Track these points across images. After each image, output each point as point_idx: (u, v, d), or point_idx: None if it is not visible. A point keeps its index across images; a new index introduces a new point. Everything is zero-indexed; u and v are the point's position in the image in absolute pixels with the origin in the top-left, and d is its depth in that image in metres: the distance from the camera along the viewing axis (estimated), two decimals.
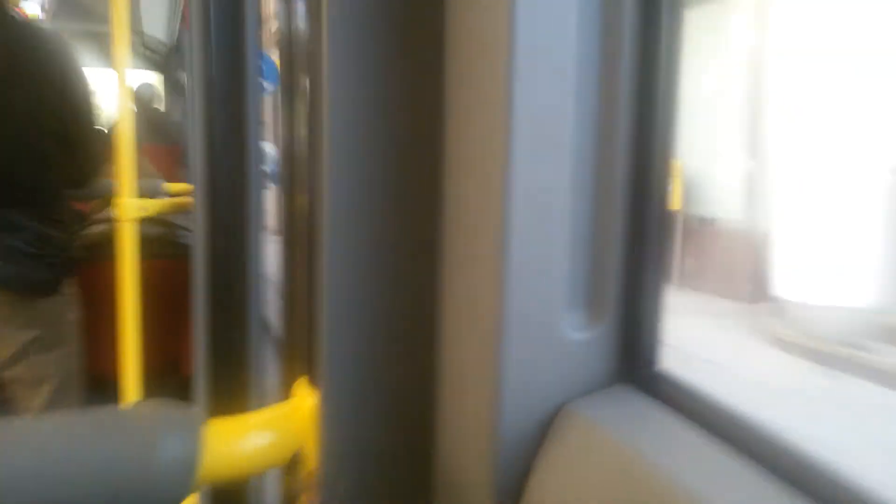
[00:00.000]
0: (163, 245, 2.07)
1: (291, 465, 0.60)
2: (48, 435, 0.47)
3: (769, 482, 0.37)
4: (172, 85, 4.70)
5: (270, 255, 1.01)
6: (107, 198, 1.93)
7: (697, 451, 0.41)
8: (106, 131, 2.09)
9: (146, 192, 1.78)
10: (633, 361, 0.49)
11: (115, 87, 1.66)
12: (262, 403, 1.03)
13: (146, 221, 1.82)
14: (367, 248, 0.51)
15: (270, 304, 1.05)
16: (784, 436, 0.40)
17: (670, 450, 0.41)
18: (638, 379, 0.49)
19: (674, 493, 0.36)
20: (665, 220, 0.48)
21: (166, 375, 1.85)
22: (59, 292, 1.74)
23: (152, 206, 1.67)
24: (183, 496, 0.48)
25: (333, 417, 0.51)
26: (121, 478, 0.46)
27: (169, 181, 2.35)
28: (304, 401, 0.54)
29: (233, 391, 1.04)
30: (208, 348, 1.03)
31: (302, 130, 0.77)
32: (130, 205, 1.56)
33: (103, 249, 1.93)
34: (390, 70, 0.50)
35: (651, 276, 0.48)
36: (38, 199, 1.66)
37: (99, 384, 1.91)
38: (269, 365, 1.04)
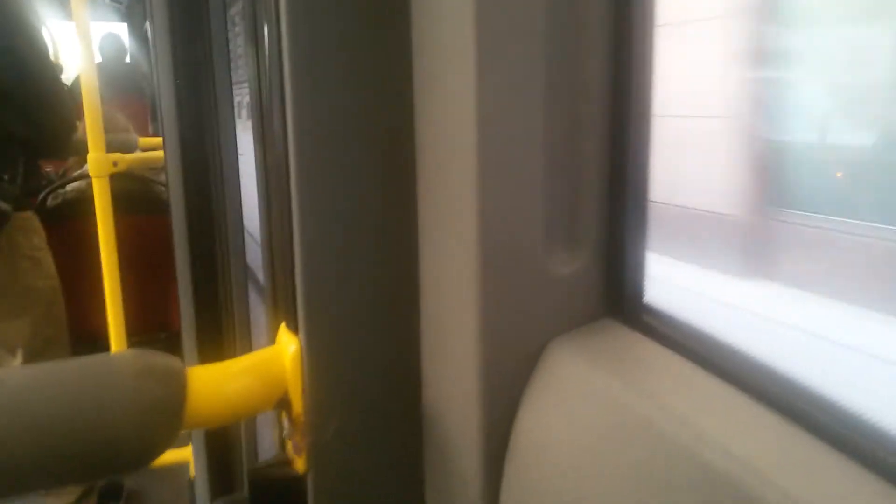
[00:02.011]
0: (140, 200, 2.04)
1: (281, 410, 0.60)
2: (31, 383, 0.46)
3: (757, 409, 0.37)
4: (138, 35, 4.54)
5: (250, 202, 0.99)
6: (82, 155, 1.89)
7: (683, 382, 0.41)
8: (71, 88, 2.02)
9: (119, 147, 1.73)
10: (617, 295, 0.49)
11: (76, 41, 1.60)
12: (248, 352, 1.04)
13: (123, 177, 1.79)
14: (342, 192, 0.50)
15: (254, 252, 1.04)
16: (771, 363, 0.40)
17: (656, 381, 0.41)
18: (623, 312, 0.49)
19: (661, 422, 0.37)
20: (646, 152, 0.48)
21: (153, 332, 1.86)
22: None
23: (124, 160, 1.63)
24: (169, 440, 0.49)
25: (314, 363, 0.51)
26: (106, 423, 0.46)
27: (142, 135, 2.29)
28: (286, 347, 0.54)
29: (220, 342, 1.04)
30: (193, 301, 1.03)
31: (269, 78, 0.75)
32: (101, 160, 1.52)
33: (79, 207, 1.89)
34: (355, 31, 0.48)
35: (634, 209, 0.47)
36: None
37: (86, 345, 1.91)
38: (256, 313, 1.04)
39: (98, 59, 4.24)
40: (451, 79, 0.45)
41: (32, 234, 1.77)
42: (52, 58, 1.64)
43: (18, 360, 1.75)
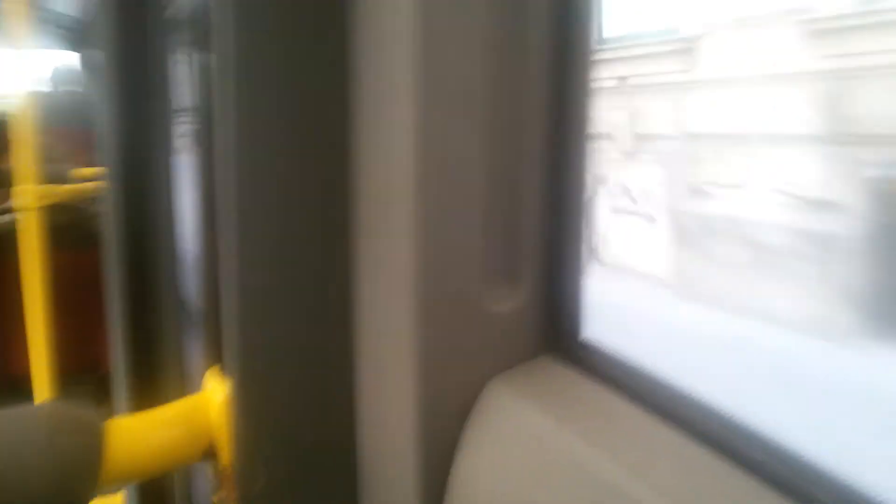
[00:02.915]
0: (73, 235, 1.95)
1: (211, 460, 0.56)
2: None
3: (693, 448, 0.37)
4: (89, 64, 4.44)
5: (188, 237, 0.96)
6: (8, 186, 1.81)
7: (618, 419, 0.40)
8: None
9: (54, 178, 1.66)
10: (556, 331, 0.48)
11: (14, 68, 1.54)
12: (184, 396, 0.99)
13: (55, 210, 1.71)
14: (274, 227, 0.48)
15: (189, 290, 1.00)
16: (708, 401, 0.40)
17: (591, 419, 0.40)
18: (561, 349, 0.48)
19: (594, 461, 0.36)
20: (582, 190, 0.47)
21: (84, 374, 1.76)
22: None
23: (58, 192, 1.56)
24: (88, 497, 0.46)
25: (244, 409, 0.48)
26: (21, 480, 0.43)
27: (81, 165, 2.21)
28: (215, 392, 0.50)
29: (153, 384, 0.99)
30: (125, 340, 0.98)
31: (206, 107, 0.73)
32: (33, 192, 1.45)
33: (8, 242, 1.80)
34: (294, 52, 0.47)
35: (570, 246, 0.47)
36: None
37: (13, 386, 1.79)
38: (191, 355, 0.99)
39: (48, 87, 4.12)
40: (390, 105, 0.44)
41: None
42: None
43: None
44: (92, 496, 0.46)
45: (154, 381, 0.99)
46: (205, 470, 0.78)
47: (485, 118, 0.43)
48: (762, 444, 0.36)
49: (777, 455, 0.35)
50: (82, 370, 1.80)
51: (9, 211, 1.83)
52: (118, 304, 0.97)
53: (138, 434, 0.49)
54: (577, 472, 0.37)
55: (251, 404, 0.48)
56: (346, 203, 0.49)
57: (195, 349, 0.91)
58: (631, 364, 0.44)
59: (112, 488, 0.49)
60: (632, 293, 5.47)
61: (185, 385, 1.00)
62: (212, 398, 0.51)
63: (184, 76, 0.87)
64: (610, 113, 6.07)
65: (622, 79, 6.00)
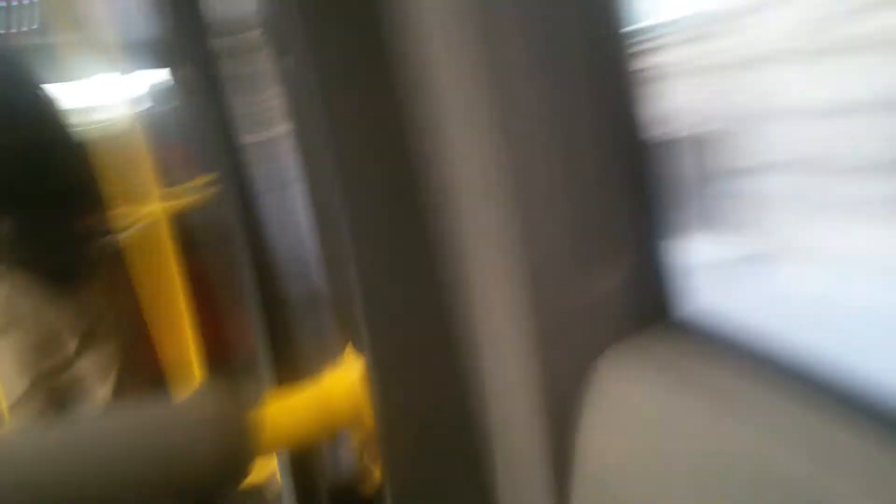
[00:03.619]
0: (195, 240, 2.11)
1: (356, 428, 0.62)
2: (102, 435, 0.49)
3: (818, 410, 0.35)
4: (181, 80, 4.67)
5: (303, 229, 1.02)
6: (119, 205, 1.97)
7: (738, 387, 0.39)
8: (82, 143, 2.08)
9: (170, 191, 1.80)
10: (664, 302, 0.48)
11: (112, 93, 1.67)
12: (321, 374, 1.07)
13: (175, 218, 1.85)
14: (385, 230, 0.51)
15: (315, 278, 1.07)
16: (832, 361, 0.38)
17: (710, 388, 0.40)
18: (668, 321, 0.48)
19: (723, 430, 0.36)
20: (667, 160, 0.47)
21: (222, 364, 1.92)
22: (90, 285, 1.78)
23: (175, 204, 1.70)
24: (245, 474, 0.51)
25: (380, 380, 0.53)
26: (181, 468, 0.49)
27: (188, 178, 2.37)
28: (352, 367, 0.56)
29: (290, 367, 1.07)
30: (264, 329, 1.07)
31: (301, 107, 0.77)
32: (155, 205, 1.59)
33: (136, 252, 1.98)
34: (367, 36, 0.49)
35: (667, 217, 0.47)
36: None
37: (161, 383, 1.99)
38: (323, 336, 1.07)
39: (148, 104, 4.37)
40: (463, 105, 0.45)
41: (120, 269, 1.88)
42: (58, 116, 1.71)
43: (109, 384, 1.85)
44: (248, 473, 0.52)
45: (290, 363, 1.07)
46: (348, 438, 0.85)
47: (553, 101, 0.43)
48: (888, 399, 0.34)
49: None
50: (220, 361, 1.96)
51: (109, 232, 2.00)
52: (251, 296, 1.06)
53: (289, 412, 0.54)
54: (703, 440, 0.37)
55: (386, 376, 0.53)
56: (439, 194, 0.52)
57: (325, 332, 0.98)
58: (744, 329, 0.44)
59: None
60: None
61: (319, 365, 1.08)
62: (350, 375, 0.56)
63: (270, 81, 0.92)
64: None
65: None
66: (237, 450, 0.50)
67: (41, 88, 1.69)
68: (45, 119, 1.69)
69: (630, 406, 0.43)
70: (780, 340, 0.41)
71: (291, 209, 1.04)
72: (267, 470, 1.49)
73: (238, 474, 0.50)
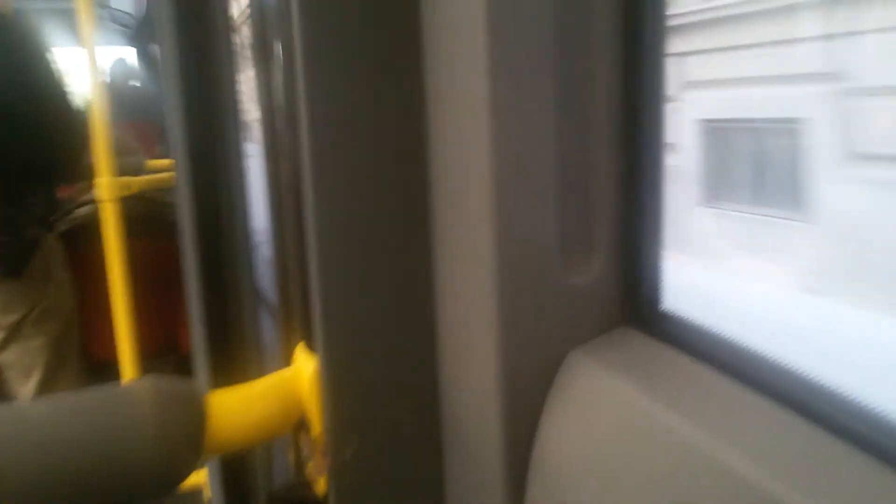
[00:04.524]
0: (150, 224, 2.04)
1: (298, 432, 0.59)
2: (53, 416, 0.46)
3: (779, 413, 0.36)
4: (146, 59, 4.58)
5: (261, 222, 0.99)
6: (92, 179, 1.90)
7: (704, 388, 0.40)
8: (83, 112, 2.03)
9: (127, 170, 1.74)
10: (635, 302, 0.48)
11: (85, 65, 1.61)
12: (262, 373, 1.03)
13: (132, 200, 1.79)
14: (356, 209, 0.50)
15: (265, 272, 1.04)
16: (791, 366, 0.39)
17: (677, 389, 0.40)
18: (641, 320, 0.48)
19: (684, 430, 0.36)
20: (660, 157, 0.47)
21: (165, 356, 1.85)
22: (25, 274, 1.71)
23: (133, 183, 1.64)
24: (191, 468, 0.48)
25: (333, 382, 0.51)
26: (129, 454, 0.45)
27: (151, 158, 2.30)
28: (304, 367, 0.53)
29: (232, 363, 1.03)
30: (204, 323, 1.03)
31: (279, 95, 0.75)
32: (110, 184, 1.53)
33: (88, 232, 1.90)
34: (366, 40, 0.48)
35: (648, 214, 0.47)
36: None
37: (99, 369, 1.90)
38: (268, 334, 1.04)
39: (107, 82, 4.26)
40: (462, 90, 0.44)
41: (55, 255, 1.80)
42: (62, 84, 1.66)
43: (33, 381, 1.76)
44: (195, 466, 0.49)
45: (232, 360, 1.03)
46: (289, 440, 0.82)
47: (553, 91, 0.43)
48: (848, 407, 0.35)
49: (865, 416, 0.34)
50: (163, 352, 1.89)
51: (91, 202, 1.93)
52: (196, 288, 1.02)
53: (237, 406, 0.51)
54: (662, 439, 0.37)
55: (340, 377, 0.51)
56: (423, 181, 0.50)
57: (272, 329, 0.95)
58: (714, 332, 0.44)
59: (211, 459, 0.52)
60: None
61: (262, 363, 1.05)
62: (301, 373, 0.53)
63: (249, 68, 0.89)
64: None
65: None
66: (187, 436, 0.48)
67: (44, 58, 1.62)
68: (49, 88, 1.62)
69: (591, 407, 0.43)
70: (740, 347, 0.42)
71: (248, 206, 1.01)
72: (197, 478, 1.43)
73: (182, 466, 0.47)
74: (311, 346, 0.53)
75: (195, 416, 0.48)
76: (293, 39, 0.48)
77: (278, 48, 0.51)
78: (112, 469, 0.45)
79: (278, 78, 0.67)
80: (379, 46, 0.48)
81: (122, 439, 0.46)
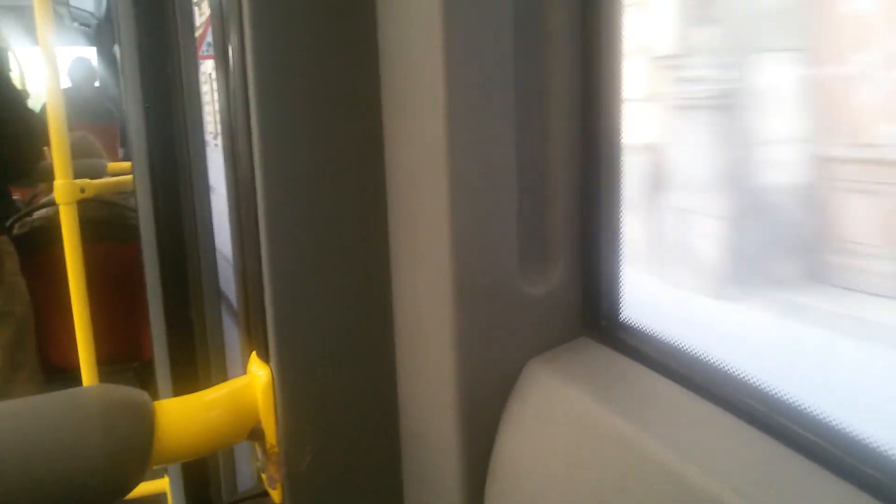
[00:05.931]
0: (112, 227, 2.00)
1: (255, 441, 0.58)
2: None
3: (732, 423, 0.37)
4: (106, 59, 4.48)
5: (222, 225, 0.98)
6: (50, 182, 1.85)
7: (659, 398, 0.40)
8: (38, 113, 1.98)
9: (87, 173, 1.70)
10: (594, 313, 0.48)
11: (42, 65, 1.57)
12: (225, 380, 1.02)
13: (93, 203, 1.75)
14: (311, 217, 0.49)
15: (229, 277, 1.02)
16: (746, 377, 0.40)
17: (633, 399, 0.40)
18: (600, 331, 0.48)
19: (639, 439, 0.36)
20: (618, 168, 0.47)
21: (125, 361, 1.81)
22: None
23: (91, 186, 1.60)
24: (139, 475, 0.48)
25: (286, 390, 0.50)
26: (75, 460, 0.45)
27: (114, 160, 2.25)
28: (257, 376, 0.52)
29: (194, 370, 1.01)
30: (165, 329, 1.01)
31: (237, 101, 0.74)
32: (68, 186, 1.49)
33: (47, 235, 1.85)
34: (320, 41, 0.47)
35: (607, 224, 0.47)
36: None
37: (58, 376, 1.85)
38: (233, 339, 1.02)
39: (67, 83, 4.16)
40: (418, 94, 0.44)
41: (7, 258, 1.74)
42: (16, 83, 1.61)
43: None
44: (142, 475, 0.48)
45: (195, 366, 1.02)
46: (251, 450, 0.80)
47: (512, 100, 0.43)
48: (801, 417, 0.35)
49: (817, 428, 0.35)
50: (124, 358, 1.85)
51: (51, 205, 1.88)
52: (156, 293, 1.00)
53: (186, 414, 0.50)
54: (618, 449, 0.37)
55: (293, 387, 0.50)
56: (380, 188, 0.50)
57: (233, 336, 0.93)
58: (671, 343, 0.44)
59: (161, 466, 0.51)
60: None
61: (224, 370, 1.03)
62: (255, 381, 0.52)
63: (209, 70, 0.88)
64: None
65: None
66: (134, 443, 0.47)
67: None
68: (2, 86, 1.57)
69: (548, 416, 0.43)
70: (697, 359, 0.43)
71: (208, 210, 0.99)
72: (160, 485, 1.40)
73: (129, 475, 0.47)
74: (263, 356, 0.52)
75: (143, 425, 0.48)
76: (244, 38, 0.47)
77: (233, 49, 0.51)
78: (58, 476, 0.44)
79: (235, 80, 0.66)
80: (333, 48, 0.47)
81: (68, 446, 0.45)
